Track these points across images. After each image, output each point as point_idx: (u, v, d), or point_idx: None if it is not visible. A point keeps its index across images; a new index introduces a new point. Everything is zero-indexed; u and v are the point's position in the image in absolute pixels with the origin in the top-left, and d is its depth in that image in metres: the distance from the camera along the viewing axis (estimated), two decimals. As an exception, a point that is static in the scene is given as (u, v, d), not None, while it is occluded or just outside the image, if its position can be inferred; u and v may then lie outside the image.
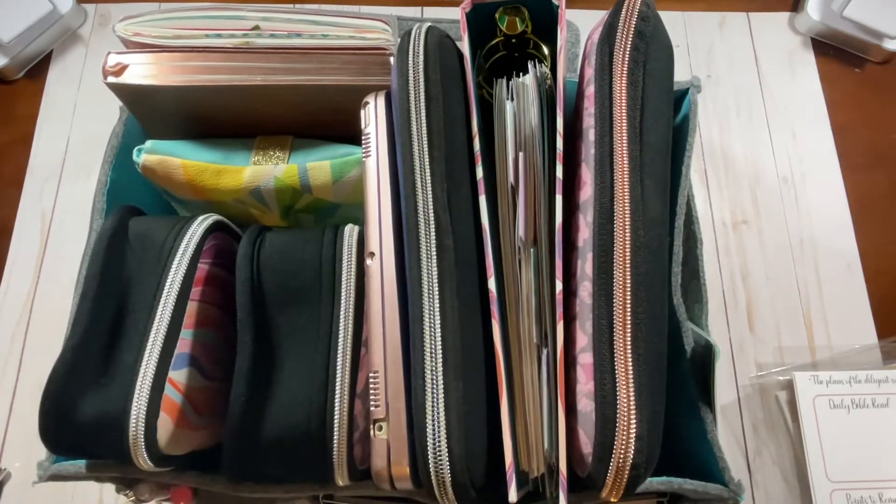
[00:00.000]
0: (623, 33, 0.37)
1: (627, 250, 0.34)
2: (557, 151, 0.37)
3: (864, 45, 0.79)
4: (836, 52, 0.81)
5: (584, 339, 0.35)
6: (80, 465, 0.42)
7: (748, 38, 0.82)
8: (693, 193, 0.50)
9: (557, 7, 0.41)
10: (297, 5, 0.81)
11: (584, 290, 0.35)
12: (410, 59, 0.38)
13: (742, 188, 0.74)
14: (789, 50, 0.81)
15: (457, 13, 0.42)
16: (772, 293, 0.70)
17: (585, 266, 0.36)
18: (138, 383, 0.38)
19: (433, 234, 0.36)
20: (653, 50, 0.38)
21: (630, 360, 0.33)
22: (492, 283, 0.36)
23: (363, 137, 0.41)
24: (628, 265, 0.34)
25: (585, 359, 0.35)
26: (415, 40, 0.38)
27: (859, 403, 0.62)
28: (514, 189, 0.37)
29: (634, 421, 0.32)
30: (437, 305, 0.35)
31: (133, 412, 0.37)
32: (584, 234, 0.36)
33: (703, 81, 0.50)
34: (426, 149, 0.37)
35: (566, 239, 0.39)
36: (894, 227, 0.73)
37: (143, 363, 0.38)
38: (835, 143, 0.76)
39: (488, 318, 0.36)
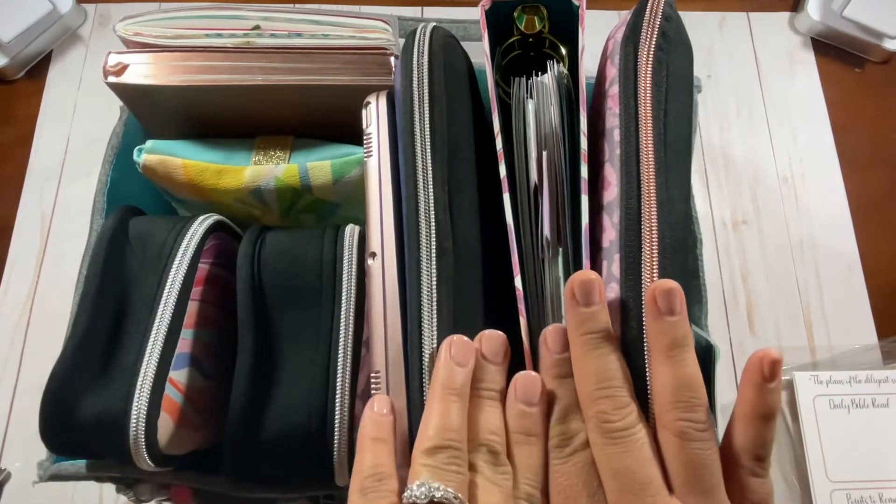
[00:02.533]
0: (647, 33, 0.37)
1: (655, 252, 0.34)
2: (582, 151, 0.37)
3: (864, 45, 0.79)
4: (836, 52, 0.81)
5: None
6: (80, 465, 0.42)
7: (748, 38, 0.82)
8: (693, 193, 0.50)
9: (578, 7, 0.41)
10: (298, 5, 0.81)
11: (612, 292, 0.35)
12: (415, 58, 0.38)
13: (742, 188, 0.74)
14: (789, 50, 0.81)
15: (457, 13, 0.42)
16: (772, 293, 0.70)
17: (612, 267, 0.35)
18: (139, 383, 0.38)
19: (433, 235, 0.36)
20: (675, 50, 0.38)
21: None
22: (518, 282, 0.36)
23: (365, 137, 0.41)
24: (655, 267, 0.34)
25: None
26: (419, 40, 0.38)
27: (859, 403, 0.62)
28: (538, 188, 0.37)
29: None
30: (436, 307, 0.35)
31: (133, 412, 0.37)
32: (611, 234, 0.36)
33: (703, 81, 0.50)
34: (429, 150, 0.37)
35: (591, 239, 0.38)
36: (894, 227, 0.73)
37: (144, 363, 0.38)
38: (835, 142, 0.76)
39: (490, 321, 0.36)
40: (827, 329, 0.68)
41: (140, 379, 0.38)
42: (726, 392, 0.66)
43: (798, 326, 0.69)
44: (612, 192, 0.37)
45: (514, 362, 0.37)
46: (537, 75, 0.39)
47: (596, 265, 0.38)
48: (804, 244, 0.72)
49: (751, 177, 0.75)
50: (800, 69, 0.80)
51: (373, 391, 0.36)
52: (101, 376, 0.39)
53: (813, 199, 0.74)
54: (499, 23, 0.43)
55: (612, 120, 0.38)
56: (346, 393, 0.38)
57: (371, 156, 0.40)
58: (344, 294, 0.40)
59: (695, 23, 0.82)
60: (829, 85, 0.79)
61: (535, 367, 0.36)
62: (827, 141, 0.77)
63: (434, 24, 0.40)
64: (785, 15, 0.83)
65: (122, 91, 0.48)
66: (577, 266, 0.37)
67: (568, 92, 0.40)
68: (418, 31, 0.39)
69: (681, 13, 0.86)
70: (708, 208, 0.73)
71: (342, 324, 0.40)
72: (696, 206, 0.50)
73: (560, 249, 0.37)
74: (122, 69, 0.47)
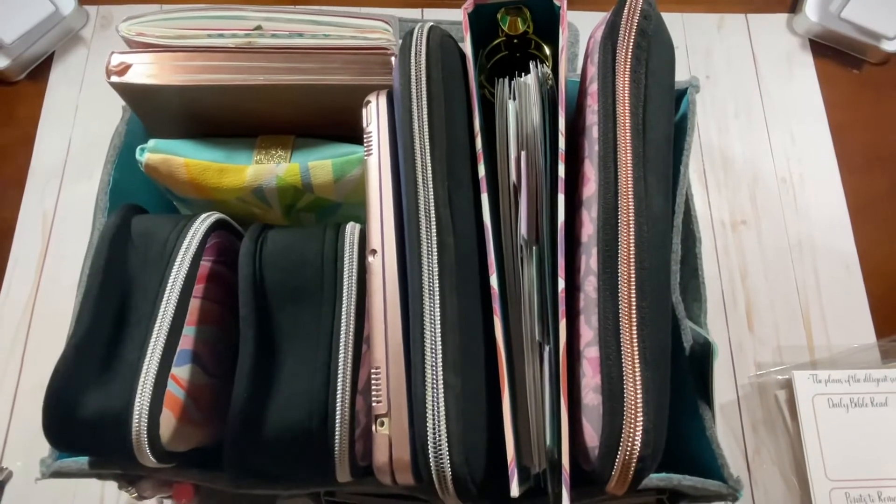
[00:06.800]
0: (625, 31, 0.38)
1: (631, 245, 0.34)
2: (560, 151, 0.38)
3: (861, 47, 0.80)
4: (834, 54, 0.81)
5: (589, 333, 0.36)
6: (82, 461, 0.42)
7: (746, 39, 0.82)
8: (692, 193, 0.50)
9: (559, 8, 0.41)
10: (299, 6, 0.81)
11: (590, 285, 0.36)
12: (413, 58, 0.38)
13: (741, 189, 0.75)
14: (787, 51, 0.81)
15: (457, 14, 0.42)
16: (771, 293, 0.70)
17: (590, 261, 0.36)
18: (141, 380, 0.38)
19: (434, 231, 0.36)
20: (655, 48, 0.38)
21: (637, 353, 0.33)
22: (494, 281, 0.36)
23: (365, 136, 0.41)
24: (632, 260, 0.34)
25: (591, 353, 0.35)
26: (417, 39, 0.39)
27: (858, 402, 0.63)
28: (517, 188, 0.38)
29: (641, 414, 0.32)
30: (438, 302, 0.35)
31: (136, 408, 0.37)
32: (589, 229, 0.37)
33: (701, 82, 0.50)
34: (427, 147, 0.37)
35: (570, 235, 0.39)
36: (893, 227, 0.73)
37: (146, 360, 0.38)
38: (833, 143, 0.77)
39: (490, 315, 0.37)
40: (825, 328, 0.69)
41: (142, 375, 0.38)
42: (726, 392, 0.66)
43: (797, 326, 0.69)
44: (590, 187, 0.37)
45: (489, 362, 0.37)
46: (520, 76, 0.39)
47: (575, 260, 0.38)
48: (803, 244, 0.72)
49: (749, 177, 0.75)
50: (798, 70, 0.80)
51: (373, 387, 0.37)
52: (103, 373, 0.39)
53: (811, 199, 0.74)
54: (485, 25, 0.44)
55: (592, 117, 0.38)
56: (348, 389, 0.38)
57: (371, 154, 0.40)
58: (345, 291, 0.41)
59: (693, 24, 0.82)
60: (827, 86, 0.80)
61: (509, 369, 0.36)
62: (825, 142, 0.77)
63: (431, 23, 0.40)
64: (783, 16, 0.83)
65: (125, 91, 0.48)
66: (552, 264, 0.37)
67: (551, 92, 0.41)
68: (416, 31, 0.39)
69: (679, 14, 0.87)
70: (707, 209, 0.73)
71: (343, 321, 0.40)
72: (696, 206, 0.50)
73: (535, 248, 0.37)
74: (124, 69, 0.47)
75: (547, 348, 0.37)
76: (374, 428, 0.36)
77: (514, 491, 0.34)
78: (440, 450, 0.34)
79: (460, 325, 0.35)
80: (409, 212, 0.37)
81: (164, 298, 0.40)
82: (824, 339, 0.68)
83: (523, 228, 0.37)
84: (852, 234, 0.73)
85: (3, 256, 0.71)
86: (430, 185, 0.37)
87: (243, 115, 0.49)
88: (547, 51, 0.45)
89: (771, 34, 0.82)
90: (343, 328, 0.40)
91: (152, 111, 0.51)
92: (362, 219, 0.41)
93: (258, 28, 0.48)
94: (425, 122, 0.37)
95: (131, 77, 0.47)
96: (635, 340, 0.33)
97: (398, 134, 0.39)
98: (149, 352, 0.39)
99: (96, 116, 0.77)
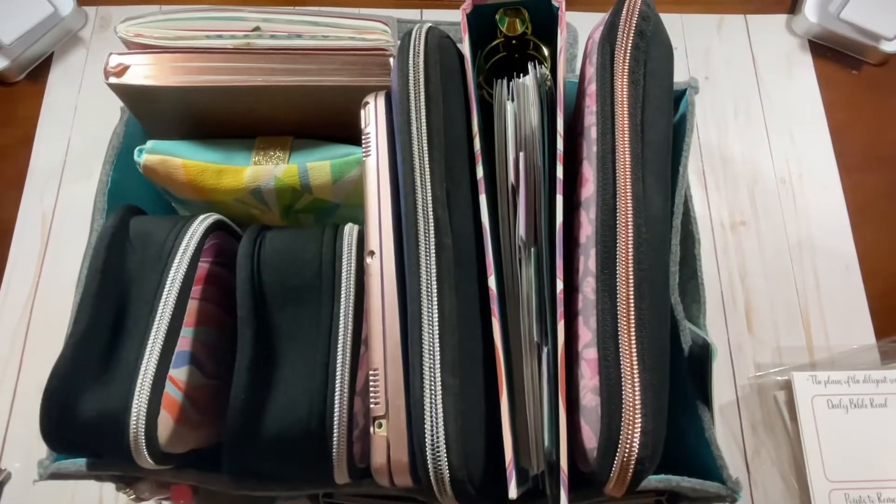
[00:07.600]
0: (624, 32, 0.38)
1: (630, 246, 0.34)
2: (558, 152, 0.38)
3: (860, 47, 0.80)
4: (834, 54, 0.81)
5: (588, 334, 0.35)
6: (80, 463, 0.42)
7: (746, 40, 0.82)
8: (691, 193, 0.50)
9: (557, 9, 0.41)
10: (298, 7, 0.81)
11: (588, 286, 0.36)
12: (411, 59, 0.38)
13: (740, 189, 0.75)
14: (787, 52, 0.81)
15: (456, 15, 0.42)
16: (770, 293, 0.70)
17: (588, 262, 0.36)
18: (139, 381, 0.38)
19: (432, 232, 0.36)
20: (653, 49, 0.38)
21: (635, 354, 0.33)
22: (492, 282, 0.36)
23: (363, 137, 0.41)
24: (631, 261, 0.34)
25: (589, 354, 0.35)
26: (415, 40, 0.39)
27: (857, 403, 0.63)
28: (515, 189, 0.38)
29: (640, 415, 0.32)
30: (436, 303, 0.35)
31: (134, 409, 0.37)
32: (587, 230, 0.37)
33: (700, 83, 0.50)
34: (426, 148, 0.37)
35: (569, 236, 0.39)
36: (892, 228, 0.73)
37: (144, 361, 0.38)
38: (832, 144, 0.77)
39: (488, 316, 0.37)
40: (825, 329, 0.69)
41: (140, 376, 0.38)
42: (725, 392, 0.66)
43: (796, 327, 0.69)
44: (589, 188, 0.37)
45: (487, 364, 0.37)
46: (519, 77, 0.39)
47: (573, 261, 0.38)
48: (802, 245, 0.72)
49: (749, 178, 0.75)
50: (797, 71, 0.80)
51: (371, 389, 0.37)
52: (101, 374, 0.39)
53: (811, 200, 0.74)
54: (483, 25, 0.44)
55: (590, 118, 0.38)
56: (346, 390, 0.38)
57: (369, 155, 0.40)
58: (343, 292, 0.41)
59: (692, 25, 0.82)
60: (826, 87, 0.80)
61: (507, 370, 0.36)
62: (824, 142, 0.77)
63: (430, 24, 0.40)
64: (782, 17, 0.83)
65: (123, 92, 0.48)
66: (550, 265, 0.37)
67: (550, 93, 0.41)
68: (414, 32, 0.39)
69: (678, 15, 0.87)
70: (706, 209, 0.73)
71: (341, 322, 0.40)
72: (695, 207, 0.50)
73: (533, 249, 0.37)
74: (123, 70, 0.47)
75: (545, 349, 0.37)
76: (371, 429, 0.36)
77: (513, 492, 0.34)
78: (438, 451, 0.34)
79: (458, 326, 0.35)
80: (408, 213, 0.37)
81: (162, 299, 0.40)
82: (823, 340, 0.68)
83: (522, 229, 0.37)
84: (851, 235, 0.73)
85: (3, 257, 0.71)
86: (429, 186, 0.37)
87: (242, 116, 0.49)
88: (545, 52, 0.45)
89: (770, 35, 0.82)
90: (341, 329, 0.40)
91: (150, 112, 0.51)
92: (361, 220, 0.41)
93: (257, 29, 0.48)
94: (423, 124, 0.37)
95: (129, 78, 0.47)
96: (634, 342, 0.33)
97: (396, 135, 0.39)
98: (147, 353, 0.39)
99: (95, 117, 0.77)
